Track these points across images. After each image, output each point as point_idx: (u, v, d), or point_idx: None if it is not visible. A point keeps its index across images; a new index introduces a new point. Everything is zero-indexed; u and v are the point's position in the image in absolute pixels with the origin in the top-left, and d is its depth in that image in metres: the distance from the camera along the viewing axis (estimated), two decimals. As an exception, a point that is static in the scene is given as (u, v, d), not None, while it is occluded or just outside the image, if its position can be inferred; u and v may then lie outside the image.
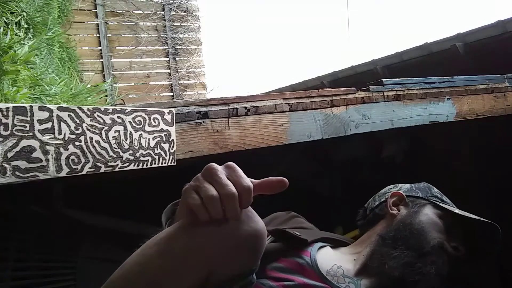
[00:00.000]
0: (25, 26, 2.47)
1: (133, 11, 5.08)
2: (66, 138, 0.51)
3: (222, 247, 0.50)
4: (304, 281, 0.70)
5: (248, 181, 0.50)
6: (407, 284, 0.72)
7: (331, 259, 0.78)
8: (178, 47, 5.32)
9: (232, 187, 0.49)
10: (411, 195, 0.90)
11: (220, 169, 0.51)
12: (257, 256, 0.55)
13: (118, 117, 0.55)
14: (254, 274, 0.58)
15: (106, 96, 3.79)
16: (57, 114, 0.50)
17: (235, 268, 0.53)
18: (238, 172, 0.51)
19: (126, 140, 0.56)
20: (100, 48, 4.88)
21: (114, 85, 4.63)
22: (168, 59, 5.29)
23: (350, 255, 0.82)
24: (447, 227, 0.82)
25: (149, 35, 5.14)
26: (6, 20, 2.20)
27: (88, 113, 0.53)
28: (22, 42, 2.08)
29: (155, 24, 5.21)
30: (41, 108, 0.49)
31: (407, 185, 0.95)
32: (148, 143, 0.58)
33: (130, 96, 5.07)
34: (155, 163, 0.59)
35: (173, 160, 0.61)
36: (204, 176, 0.51)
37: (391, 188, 0.97)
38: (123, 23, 5.04)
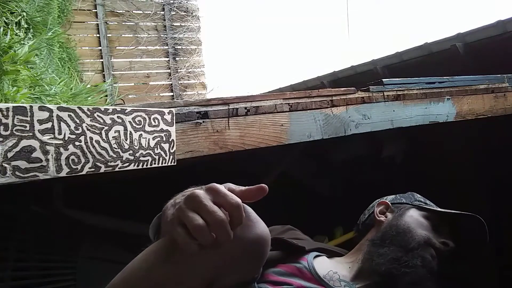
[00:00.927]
0: (25, 26, 2.46)
1: (133, 11, 5.08)
2: (66, 138, 0.51)
3: (226, 253, 0.50)
4: (302, 284, 0.72)
5: (234, 198, 0.48)
6: (396, 278, 0.74)
7: (327, 266, 0.80)
8: (178, 47, 5.32)
9: (219, 213, 0.46)
10: (396, 202, 0.95)
11: (203, 195, 0.48)
12: (260, 262, 0.55)
13: (118, 117, 0.55)
14: (256, 283, 0.58)
15: (106, 96, 3.79)
16: (57, 114, 0.50)
17: (238, 275, 0.52)
18: (222, 192, 0.48)
19: (126, 140, 0.56)
20: (100, 48, 4.88)
21: (114, 85, 4.62)
22: (168, 59, 5.29)
23: (346, 263, 0.85)
24: (434, 226, 0.85)
25: (149, 35, 5.14)
26: (6, 20, 2.20)
27: (88, 113, 0.53)
28: (22, 42, 2.08)
29: (155, 24, 5.21)
30: (41, 108, 0.49)
31: (392, 196, 1.00)
32: (148, 143, 0.58)
33: (130, 96, 5.07)
34: (155, 163, 0.59)
35: (173, 160, 0.61)
36: (187, 205, 0.48)
37: (377, 201, 1.01)
38: (123, 23, 5.04)
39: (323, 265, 0.79)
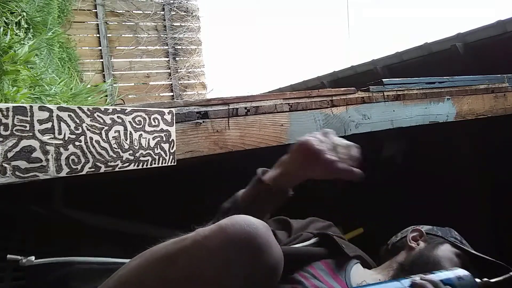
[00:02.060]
0: (25, 26, 2.46)
1: (133, 11, 5.08)
2: (66, 138, 0.51)
3: (241, 279, 0.46)
4: (333, 286, 0.74)
5: None
6: None
7: (361, 275, 0.83)
8: (178, 47, 5.32)
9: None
10: (431, 233, 0.96)
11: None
12: (274, 285, 0.51)
13: (118, 117, 0.55)
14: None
15: (106, 96, 3.79)
16: (57, 114, 0.50)
17: None
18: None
19: (126, 140, 0.56)
20: (100, 48, 4.88)
21: (114, 85, 4.62)
22: (168, 59, 5.29)
23: (376, 278, 0.87)
24: (463, 266, 0.86)
25: (149, 35, 5.14)
26: (6, 20, 2.20)
27: (88, 113, 0.53)
28: (22, 42, 2.08)
29: (155, 24, 5.21)
30: (41, 108, 0.49)
31: (429, 226, 1.01)
32: (148, 143, 0.58)
33: (130, 96, 5.07)
34: (155, 163, 0.59)
35: (173, 160, 0.61)
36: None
37: (412, 227, 1.02)
38: (123, 23, 5.04)
39: (358, 273, 0.82)
